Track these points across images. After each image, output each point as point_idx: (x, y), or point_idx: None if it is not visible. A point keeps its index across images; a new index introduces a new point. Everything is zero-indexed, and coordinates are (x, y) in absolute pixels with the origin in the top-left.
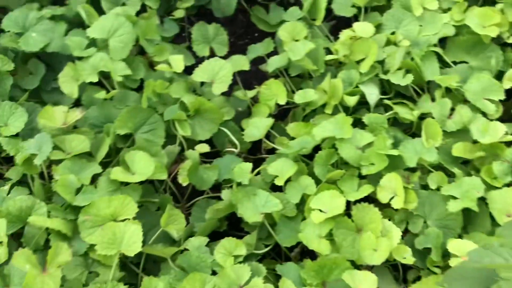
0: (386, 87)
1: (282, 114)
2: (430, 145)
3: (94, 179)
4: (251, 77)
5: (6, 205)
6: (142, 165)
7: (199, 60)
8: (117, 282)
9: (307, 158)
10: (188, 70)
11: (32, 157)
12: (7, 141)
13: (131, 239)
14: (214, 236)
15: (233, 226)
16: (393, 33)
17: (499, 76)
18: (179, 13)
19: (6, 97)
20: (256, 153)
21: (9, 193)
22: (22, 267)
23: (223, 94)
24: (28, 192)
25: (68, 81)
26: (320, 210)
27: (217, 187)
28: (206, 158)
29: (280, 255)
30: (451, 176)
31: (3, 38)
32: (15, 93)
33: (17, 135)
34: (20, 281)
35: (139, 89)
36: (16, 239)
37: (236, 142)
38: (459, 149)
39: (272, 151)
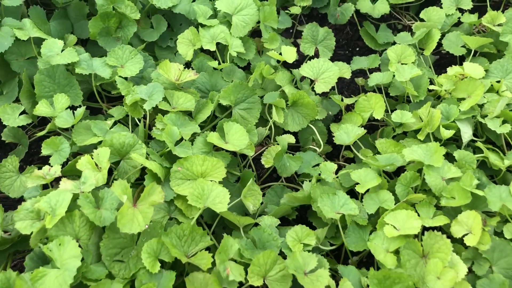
0: (478, 131)
1: (368, 128)
2: None
3: (192, 137)
4: (344, 87)
5: (110, 137)
6: (238, 137)
7: (302, 57)
8: (198, 227)
9: (387, 176)
10: (290, 65)
11: (140, 101)
12: (121, 81)
13: (217, 198)
14: (282, 223)
15: (300, 219)
16: (498, 81)
17: None
18: (295, 9)
19: (125, 42)
20: (333, 159)
21: (111, 127)
22: (119, 196)
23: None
24: (129, 132)
25: (185, 43)
26: (394, 227)
27: (288, 178)
28: (287, 150)
29: (338, 258)
30: None
31: None
32: (133, 41)
33: (126, 78)
34: (110, 206)
35: (244, 68)
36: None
37: (321, 142)
38: None
39: (350, 160)
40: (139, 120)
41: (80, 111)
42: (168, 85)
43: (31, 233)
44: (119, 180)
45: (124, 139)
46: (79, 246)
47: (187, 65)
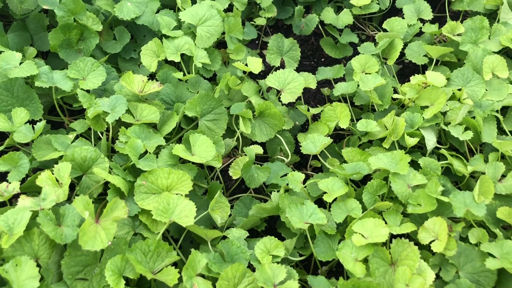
0: (442, 138)
1: (334, 137)
2: (480, 200)
3: (156, 149)
4: (311, 97)
5: (72, 151)
6: (204, 148)
7: (268, 68)
8: (163, 242)
9: (354, 184)
10: (256, 76)
11: (103, 114)
12: (83, 93)
13: (183, 212)
14: (251, 234)
15: (269, 230)
16: (459, 89)
17: None
18: (260, 21)
19: (87, 54)
20: (301, 168)
21: (73, 141)
22: (81, 212)
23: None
24: (92, 146)
25: (149, 55)
26: (362, 235)
27: (257, 190)
28: (255, 161)
29: (307, 269)
30: (490, 235)
31: (100, 0)
32: (96, 53)
33: (89, 91)
34: (72, 223)
35: (210, 79)
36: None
37: (289, 152)
38: (503, 213)
39: (317, 170)
40: (102, 134)
41: (40, 125)
42: (132, 97)
43: None
44: (80, 195)
45: (86, 153)
46: (38, 265)
47: (151, 76)
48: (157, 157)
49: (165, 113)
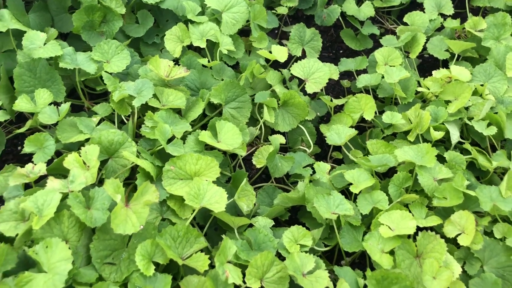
0: (464, 133)
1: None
2: (507, 195)
3: (183, 136)
4: (329, 89)
5: (99, 134)
6: (230, 136)
7: (289, 58)
8: (192, 228)
9: (377, 177)
10: (277, 66)
11: (128, 98)
12: (108, 76)
13: (214, 198)
14: (274, 224)
15: (291, 220)
16: (481, 85)
17: None
18: (282, 10)
19: (110, 37)
20: (322, 160)
21: (97, 124)
22: (112, 195)
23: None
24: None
25: (173, 40)
26: (389, 227)
27: (278, 179)
28: None
29: (330, 259)
30: None
31: None
32: (118, 36)
33: (112, 74)
34: (102, 206)
35: (233, 67)
36: None
37: (311, 142)
38: None
39: (338, 161)
40: (126, 118)
41: (65, 106)
42: (157, 81)
43: (16, 235)
44: (111, 178)
45: (113, 136)
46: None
47: (175, 62)
48: (183, 143)
49: (190, 99)
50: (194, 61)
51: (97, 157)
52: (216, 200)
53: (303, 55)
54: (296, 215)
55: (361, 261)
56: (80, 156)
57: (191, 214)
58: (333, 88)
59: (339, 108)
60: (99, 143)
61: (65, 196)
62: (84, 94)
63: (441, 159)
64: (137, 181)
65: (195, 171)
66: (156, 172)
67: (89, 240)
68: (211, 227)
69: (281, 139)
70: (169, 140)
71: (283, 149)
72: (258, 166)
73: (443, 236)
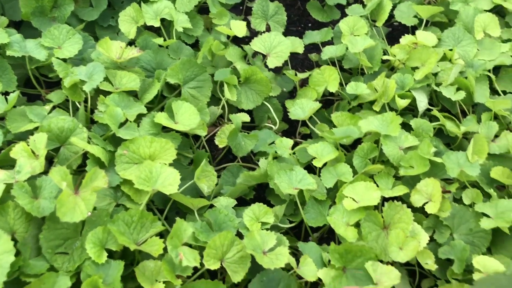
0: (433, 99)
1: (323, 103)
2: (474, 160)
3: (137, 119)
4: (298, 64)
5: (48, 122)
6: (188, 116)
7: (254, 34)
8: (147, 213)
9: (345, 149)
10: (240, 42)
11: (80, 83)
12: (58, 62)
13: (167, 180)
14: (240, 203)
15: (258, 199)
16: (450, 50)
17: None
18: None
19: (62, 22)
20: (290, 136)
21: (50, 112)
22: (58, 183)
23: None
24: (69, 116)
25: (127, 21)
26: (353, 199)
27: (245, 158)
28: (242, 129)
29: (298, 236)
30: (484, 196)
31: None
32: (71, 21)
33: (65, 60)
34: (50, 195)
35: (193, 46)
36: (46, 160)
37: (277, 119)
38: (497, 173)
39: (307, 137)
40: (80, 104)
41: (13, 95)
42: (110, 64)
43: None
44: (57, 166)
45: (63, 123)
46: (15, 240)
47: (132, 44)
48: (138, 126)
49: (146, 80)
50: (150, 42)
51: (45, 145)
52: (169, 183)
53: (268, 31)
54: (264, 193)
55: (330, 236)
56: (29, 145)
57: (148, 197)
58: (302, 63)
59: (305, 83)
60: (49, 131)
61: (11, 187)
62: (39, 82)
63: (408, 128)
64: (87, 168)
65: (149, 154)
66: (108, 158)
67: (38, 231)
68: (172, 211)
69: (245, 117)
70: (122, 124)
71: (250, 127)
72: (220, 146)
73: (411, 206)
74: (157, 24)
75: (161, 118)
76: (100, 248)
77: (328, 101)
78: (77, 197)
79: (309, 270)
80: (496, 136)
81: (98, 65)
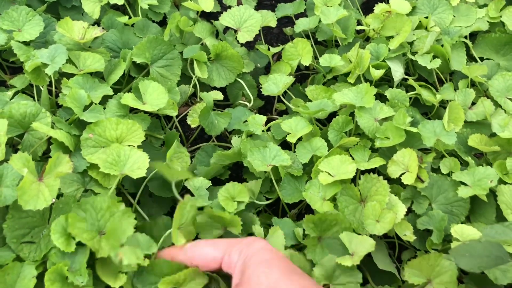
0: (410, 69)
1: (299, 78)
2: (450, 128)
3: (104, 101)
4: (273, 39)
5: (9, 108)
6: (155, 96)
7: (225, 10)
8: (116, 197)
9: (320, 124)
10: (212, 17)
11: (43, 66)
12: (18, 46)
13: (136, 164)
14: (215, 184)
15: (235, 178)
16: (426, 17)
17: None
18: None
19: (22, 4)
20: (266, 113)
21: (12, 98)
22: (19, 170)
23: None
24: (32, 101)
25: (91, 0)
26: (329, 174)
27: (220, 138)
28: (216, 107)
29: (277, 213)
30: (462, 164)
31: None
32: (32, 2)
33: (28, 44)
34: (12, 183)
35: (161, 24)
36: (12, 147)
37: (251, 96)
38: (475, 140)
39: (283, 113)
40: (49, 88)
41: None
42: (73, 45)
43: None
44: (19, 153)
45: (25, 108)
46: None
47: (97, 24)
48: (104, 109)
49: (112, 61)
50: (115, 21)
51: (6, 132)
52: (138, 166)
53: (239, 5)
54: (242, 173)
55: (308, 213)
56: None
57: (116, 181)
58: (277, 38)
59: (279, 57)
60: (11, 116)
61: None
62: (3, 68)
63: (384, 98)
64: (51, 153)
65: (116, 136)
66: (74, 142)
67: (2, 220)
68: (145, 194)
69: (217, 95)
70: (87, 107)
71: (225, 106)
72: (193, 126)
73: (389, 178)
74: (120, 1)
75: (128, 99)
76: (67, 236)
77: (304, 75)
78: (41, 184)
79: (277, 241)
80: (473, 103)
81: (60, 46)
